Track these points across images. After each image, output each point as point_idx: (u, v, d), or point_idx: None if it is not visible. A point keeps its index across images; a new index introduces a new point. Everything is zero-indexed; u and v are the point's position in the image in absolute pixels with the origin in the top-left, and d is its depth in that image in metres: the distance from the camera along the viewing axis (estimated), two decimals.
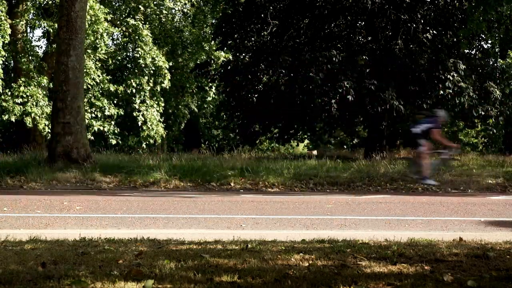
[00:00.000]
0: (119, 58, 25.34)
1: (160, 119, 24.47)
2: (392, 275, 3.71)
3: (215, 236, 5.65)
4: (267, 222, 7.27)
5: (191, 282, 3.47)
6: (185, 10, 27.19)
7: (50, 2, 22.85)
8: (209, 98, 28.23)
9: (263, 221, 7.38)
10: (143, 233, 5.84)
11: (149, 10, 25.97)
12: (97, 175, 12.80)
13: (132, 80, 23.24)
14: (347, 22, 19.21)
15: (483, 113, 19.07)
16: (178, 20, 27.34)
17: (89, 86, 22.10)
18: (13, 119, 20.71)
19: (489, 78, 19.90)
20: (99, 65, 23.06)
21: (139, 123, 23.47)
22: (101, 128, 22.64)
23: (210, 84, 25.05)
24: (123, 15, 26.02)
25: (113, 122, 23.13)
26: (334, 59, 17.41)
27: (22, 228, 6.58)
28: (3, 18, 20.53)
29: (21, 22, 22.51)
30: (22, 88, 20.97)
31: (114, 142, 23.12)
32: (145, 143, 23.80)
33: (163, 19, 26.17)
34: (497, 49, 25.90)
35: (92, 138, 22.15)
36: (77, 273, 3.67)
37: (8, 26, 20.66)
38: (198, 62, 24.72)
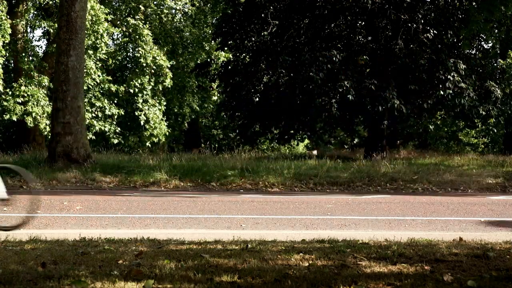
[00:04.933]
0: (119, 58, 25.34)
1: (163, 118, 24.49)
2: (392, 275, 3.71)
3: (215, 236, 5.65)
4: (267, 222, 7.27)
5: (191, 282, 3.47)
6: (186, 9, 27.20)
7: (50, 2, 22.85)
8: (215, 98, 28.23)
9: (263, 221, 7.37)
10: (143, 233, 5.84)
11: (149, 10, 25.98)
12: (97, 175, 12.80)
13: (134, 80, 23.26)
14: (347, 22, 19.20)
15: (484, 113, 19.07)
16: (178, 20, 27.34)
17: (90, 86, 22.11)
18: (14, 118, 20.72)
19: (490, 78, 19.90)
20: (100, 65, 23.08)
21: (142, 123, 23.49)
22: (102, 128, 22.66)
23: (212, 84, 25.08)
24: (124, 15, 26.03)
25: (114, 122, 23.16)
26: (334, 59, 17.40)
27: (22, 228, 6.58)
28: (3, 18, 20.53)
29: (21, 22, 22.51)
30: (22, 88, 20.98)
31: (116, 141, 23.14)
32: (148, 142, 23.82)
33: (164, 19, 26.18)
34: (497, 49, 25.92)
35: (93, 137, 22.17)
36: (77, 273, 3.67)
37: (9, 26, 20.67)
38: (198, 62, 24.73)
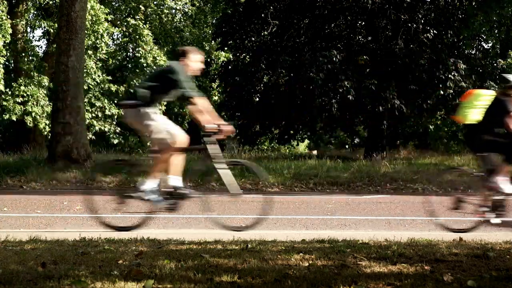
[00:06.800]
0: (119, 58, 25.32)
1: None
2: (392, 275, 3.71)
3: (215, 236, 5.65)
4: (267, 222, 7.26)
5: (191, 282, 3.46)
6: (186, 9, 27.20)
7: (50, 2, 22.85)
8: (215, 98, 28.24)
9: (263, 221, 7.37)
10: (143, 233, 5.84)
11: (149, 10, 25.98)
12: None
13: (134, 80, 23.25)
14: (347, 22, 19.21)
15: None
16: (178, 20, 27.35)
17: (90, 86, 22.10)
18: (14, 118, 20.70)
19: (490, 78, 19.92)
20: (100, 65, 23.07)
21: None
22: (102, 128, 22.65)
23: (212, 84, 25.09)
24: (124, 15, 26.02)
25: (114, 122, 23.15)
26: (334, 59, 17.41)
27: (22, 228, 6.58)
28: (3, 18, 20.53)
29: (22, 22, 22.51)
30: (22, 88, 20.97)
31: (116, 141, 23.12)
32: (149, 142, 23.81)
33: (164, 19, 26.18)
34: (497, 49, 25.90)
35: (93, 137, 22.16)
36: (77, 273, 3.66)
37: (9, 26, 20.66)
38: None
